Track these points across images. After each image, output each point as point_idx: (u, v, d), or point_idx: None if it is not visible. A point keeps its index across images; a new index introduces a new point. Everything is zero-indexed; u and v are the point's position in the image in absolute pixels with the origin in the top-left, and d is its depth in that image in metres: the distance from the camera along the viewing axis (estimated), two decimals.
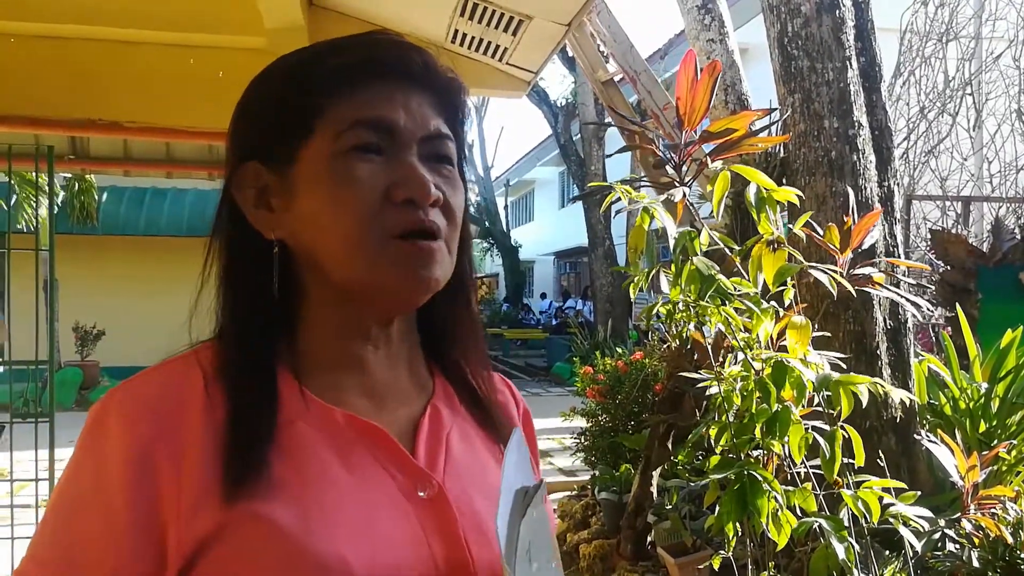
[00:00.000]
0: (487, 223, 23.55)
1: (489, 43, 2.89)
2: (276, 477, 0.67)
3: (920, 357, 3.48)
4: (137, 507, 0.66)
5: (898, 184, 3.67)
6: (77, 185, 12.37)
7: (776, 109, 3.45)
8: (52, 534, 0.68)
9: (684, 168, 1.54)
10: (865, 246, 1.60)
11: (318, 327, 0.75)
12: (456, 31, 2.85)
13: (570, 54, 11.82)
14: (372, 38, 0.75)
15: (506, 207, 29.18)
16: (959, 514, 2.25)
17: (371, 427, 0.73)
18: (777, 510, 1.54)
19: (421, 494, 0.72)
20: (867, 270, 1.60)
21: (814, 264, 1.52)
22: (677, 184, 1.54)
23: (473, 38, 2.88)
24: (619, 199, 1.56)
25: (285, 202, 0.73)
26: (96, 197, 12.74)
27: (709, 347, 1.65)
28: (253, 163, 0.75)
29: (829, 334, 3.13)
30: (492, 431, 0.82)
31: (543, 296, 26.31)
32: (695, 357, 2.29)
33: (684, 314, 1.55)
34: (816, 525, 1.54)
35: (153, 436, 0.67)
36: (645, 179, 3.14)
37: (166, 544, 0.66)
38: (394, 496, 0.71)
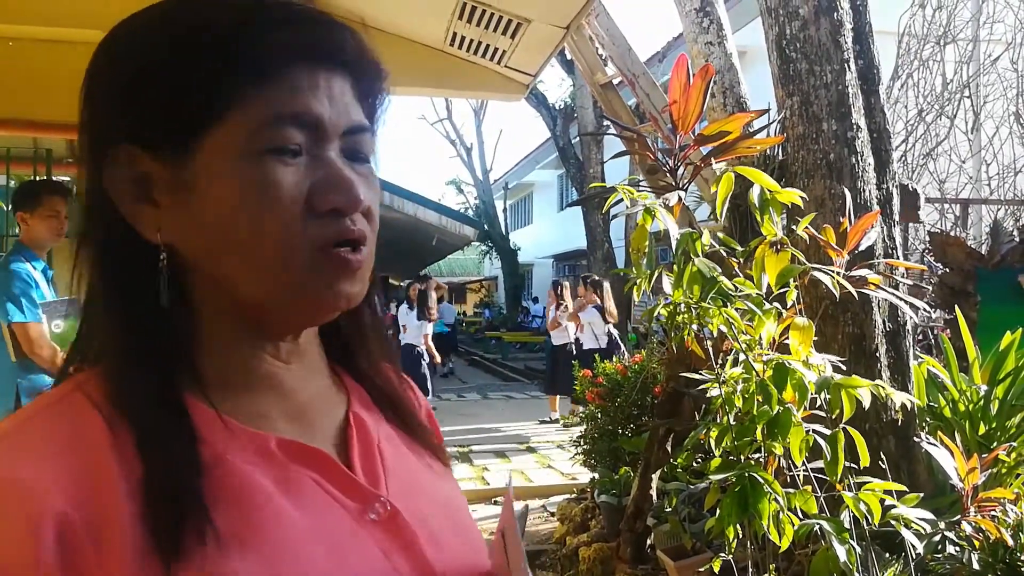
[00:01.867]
0: (486, 226, 23.55)
1: (488, 46, 2.89)
2: (220, 528, 0.55)
3: (919, 359, 3.48)
4: None
5: (896, 187, 3.67)
6: (75, 189, 12.38)
7: (769, 111, 3.45)
8: None
9: (680, 171, 1.54)
10: (863, 247, 1.60)
11: (218, 345, 0.64)
12: (455, 34, 2.85)
13: (569, 57, 11.84)
14: (291, 8, 0.62)
15: (505, 210, 29.20)
16: (959, 516, 2.25)
17: (311, 451, 0.64)
18: (778, 512, 1.54)
19: (372, 516, 0.65)
20: (865, 271, 1.60)
21: (816, 265, 1.52)
22: (673, 187, 1.54)
23: (472, 41, 2.88)
24: (620, 201, 1.56)
25: (176, 198, 0.60)
26: None
27: (710, 349, 1.65)
28: (125, 146, 0.61)
29: (827, 336, 3.14)
30: (410, 431, 0.76)
31: (535, 300, 26.28)
32: (696, 359, 2.29)
33: (686, 315, 1.55)
34: (817, 527, 1.54)
35: (63, 509, 0.52)
36: (644, 182, 3.15)
37: None
38: (348, 525, 0.63)
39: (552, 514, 5.54)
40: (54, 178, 4.55)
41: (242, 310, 0.63)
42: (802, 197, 1.51)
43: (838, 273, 1.54)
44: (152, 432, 0.57)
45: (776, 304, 1.52)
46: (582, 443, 5.31)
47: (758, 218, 1.49)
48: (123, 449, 0.56)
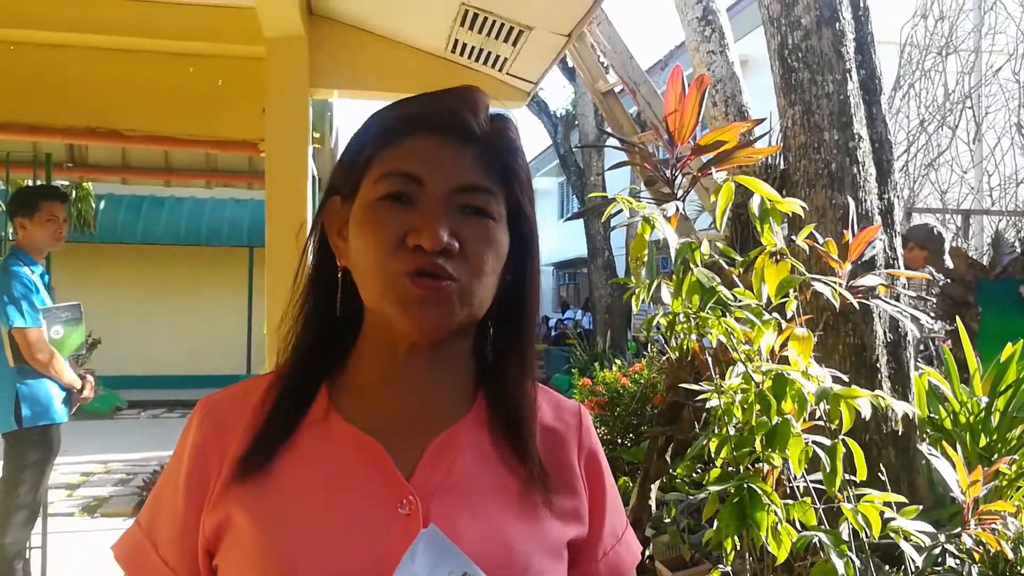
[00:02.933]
0: None
1: (489, 53, 2.89)
2: (269, 474, 0.78)
3: (920, 370, 3.46)
4: (191, 492, 0.80)
5: (898, 197, 3.66)
6: (75, 193, 12.37)
7: (764, 120, 3.45)
8: (149, 501, 0.85)
9: (678, 181, 1.53)
10: (865, 258, 1.59)
11: (364, 351, 0.84)
12: (456, 41, 2.85)
13: (570, 64, 11.85)
14: (439, 93, 0.83)
15: None
16: (959, 529, 2.24)
17: (368, 442, 0.79)
18: (776, 524, 1.53)
19: (402, 510, 0.76)
20: (867, 282, 1.59)
21: (817, 276, 1.51)
22: (671, 197, 1.53)
23: (473, 48, 2.88)
24: (620, 211, 1.55)
25: (349, 236, 0.82)
26: (93, 205, 12.73)
27: (709, 359, 1.64)
28: (335, 198, 0.85)
29: (828, 347, 3.12)
30: (521, 458, 0.83)
31: None
32: (695, 369, 2.28)
33: (685, 325, 1.54)
34: (816, 539, 1.53)
35: (211, 435, 0.81)
36: (644, 191, 3.14)
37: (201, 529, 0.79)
38: (373, 509, 0.77)
39: None
40: (52, 183, 4.55)
41: (376, 315, 0.81)
42: (802, 207, 1.50)
43: (839, 284, 1.53)
44: (275, 402, 0.81)
45: (775, 315, 1.51)
46: None
47: (758, 228, 1.47)
48: (263, 409, 0.81)
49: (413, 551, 0.73)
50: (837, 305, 1.51)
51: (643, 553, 3.82)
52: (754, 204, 1.46)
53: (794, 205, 1.48)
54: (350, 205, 0.82)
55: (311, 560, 0.73)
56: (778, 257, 1.46)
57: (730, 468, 1.63)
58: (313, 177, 3.00)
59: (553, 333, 20.65)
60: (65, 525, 4.88)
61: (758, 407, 1.51)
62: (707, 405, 1.66)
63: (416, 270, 0.76)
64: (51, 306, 3.71)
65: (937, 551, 2.46)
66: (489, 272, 0.80)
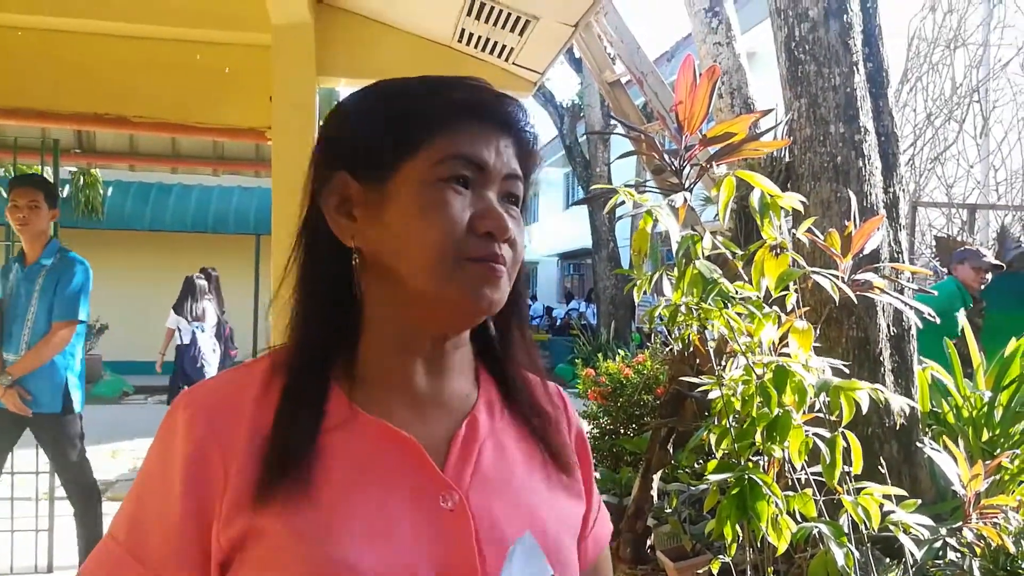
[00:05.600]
0: None
1: (496, 43, 2.88)
2: (303, 483, 0.72)
3: (923, 364, 3.47)
4: (190, 502, 0.73)
5: (904, 190, 3.66)
6: (82, 179, 12.39)
7: (772, 111, 3.44)
8: (127, 513, 0.78)
9: (686, 172, 1.54)
10: (867, 251, 1.59)
11: (377, 340, 0.81)
12: (463, 30, 2.85)
13: (577, 55, 11.81)
14: (476, 84, 0.83)
15: None
16: (961, 523, 2.24)
17: (402, 438, 0.77)
18: (777, 515, 1.53)
19: (445, 504, 0.76)
20: (868, 275, 1.59)
21: (816, 269, 1.51)
22: (679, 188, 1.53)
23: (480, 38, 2.88)
24: (623, 202, 1.56)
25: (370, 212, 0.79)
26: (101, 191, 12.75)
27: (711, 351, 1.64)
28: (343, 173, 0.80)
29: (832, 340, 3.13)
30: (535, 439, 0.87)
31: (534, 298, 26.19)
32: (697, 361, 2.29)
33: (686, 317, 1.55)
34: (816, 531, 1.53)
35: (208, 438, 0.75)
36: (651, 182, 3.14)
37: (209, 540, 0.73)
38: (417, 505, 0.75)
39: None
40: (60, 168, 4.56)
41: (401, 309, 0.79)
42: (803, 202, 1.50)
43: (840, 278, 1.53)
44: (288, 397, 0.76)
45: (776, 308, 1.52)
46: None
47: (758, 222, 1.48)
48: (266, 405, 0.76)
49: (511, 559, 0.76)
50: (837, 298, 1.51)
51: (645, 543, 3.84)
52: (754, 198, 1.47)
53: (793, 200, 1.48)
54: (373, 182, 0.79)
55: (368, 570, 0.71)
56: (778, 251, 1.46)
57: (731, 459, 1.64)
58: None
59: (558, 323, 20.65)
60: (72, 508, 4.91)
61: (759, 399, 1.51)
62: (708, 397, 1.67)
63: (485, 256, 0.77)
64: None
65: (938, 544, 2.47)
66: (520, 259, 0.83)
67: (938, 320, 1.94)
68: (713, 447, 1.65)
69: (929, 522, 1.74)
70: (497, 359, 0.89)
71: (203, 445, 0.74)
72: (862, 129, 3.26)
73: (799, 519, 1.58)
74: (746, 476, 1.52)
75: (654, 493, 3.87)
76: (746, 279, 1.58)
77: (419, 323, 0.80)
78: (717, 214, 1.58)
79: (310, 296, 0.82)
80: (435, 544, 0.74)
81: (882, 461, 2.51)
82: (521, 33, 2.76)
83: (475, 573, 0.74)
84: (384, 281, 0.79)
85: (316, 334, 0.80)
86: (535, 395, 0.90)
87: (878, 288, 1.57)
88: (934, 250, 6.60)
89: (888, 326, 3.27)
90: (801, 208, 1.50)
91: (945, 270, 5.45)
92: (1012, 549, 2.24)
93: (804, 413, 1.56)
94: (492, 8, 2.65)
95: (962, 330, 3.92)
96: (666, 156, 1.59)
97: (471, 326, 0.84)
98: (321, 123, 0.84)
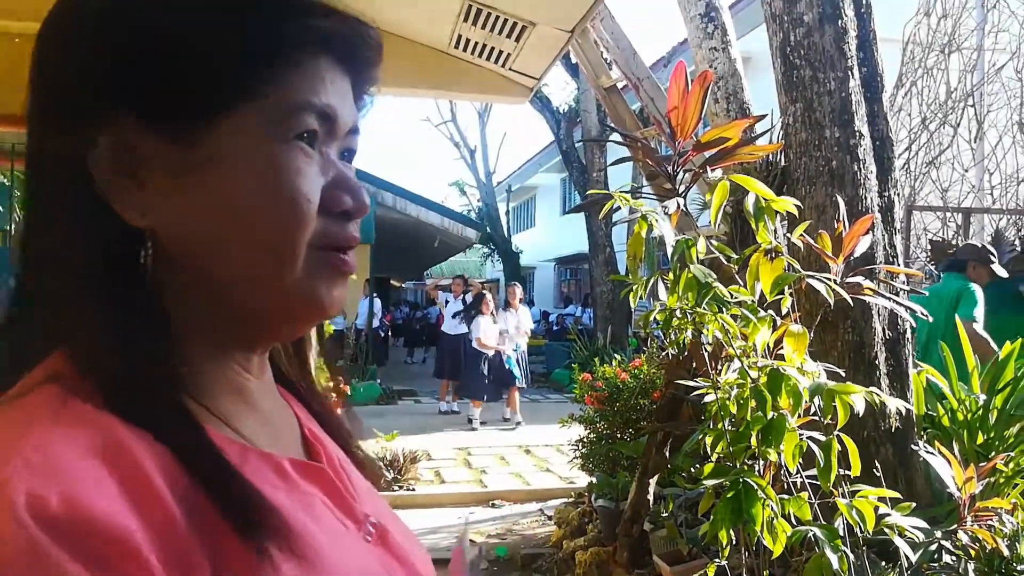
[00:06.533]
0: (488, 228, 23.56)
1: (492, 49, 2.89)
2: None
3: (918, 367, 3.48)
4: None
5: (899, 194, 3.67)
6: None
7: (767, 116, 3.45)
8: None
9: (680, 177, 1.55)
10: (858, 253, 1.60)
11: (206, 348, 0.57)
12: (460, 36, 2.86)
13: (573, 60, 11.84)
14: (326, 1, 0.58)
15: (507, 212, 29.18)
16: (955, 526, 2.25)
17: (316, 469, 0.61)
18: (772, 518, 1.54)
19: (366, 537, 0.61)
20: (860, 279, 1.60)
21: (810, 273, 1.52)
22: (673, 193, 1.54)
23: (477, 43, 2.89)
24: (619, 207, 1.57)
25: (176, 180, 0.53)
26: None
27: (707, 355, 1.65)
28: (122, 113, 0.52)
29: (827, 344, 3.14)
30: (346, 447, 0.72)
31: (531, 303, 26.18)
32: (693, 365, 2.29)
33: (681, 321, 1.55)
34: (811, 534, 1.54)
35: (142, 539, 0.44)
36: (646, 187, 3.15)
37: None
38: (356, 545, 0.60)
39: (549, 518, 5.54)
40: None
41: (228, 308, 0.56)
42: (797, 205, 1.51)
43: (834, 280, 1.54)
44: (194, 445, 0.50)
45: (771, 311, 1.53)
46: (580, 447, 5.31)
47: (753, 226, 1.49)
48: (159, 459, 0.48)
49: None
50: (831, 301, 1.52)
51: (642, 547, 3.84)
52: (749, 202, 1.48)
53: (788, 204, 1.49)
54: (183, 137, 0.53)
55: None
56: (773, 254, 1.47)
57: (726, 463, 1.64)
58: None
59: (554, 328, 20.68)
60: None
61: (754, 402, 1.52)
62: (704, 400, 1.67)
63: (342, 244, 0.58)
64: None
65: (933, 547, 2.48)
66: None
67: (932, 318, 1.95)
68: (709, 450, 1.66)
69: (924, 525, 1.75)
70: (294, 368, 0.71)
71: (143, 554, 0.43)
72: (857, 133, 3.28)
73: (794, 522, 1.59)
74: (741, 480, 1.53)
75: (651, 497, 3.88)
76: (741, 283, 1.59)
77: (244, 331, 0.59)
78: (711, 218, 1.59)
79: (105, 306, 0.51)
80: None
81: (877, 464, 2.52)
82: (518, 39, 2.77)
83: None
84: (190, 278, 0.55)
85: (138, 351, 0.51)
86: (329, 403, 0.74)
87: (869, 290, 1.58)
88: (929, 254, 6.62)
89: (883, 330, 3.28)
90: (796, 212, 1.51)
91: (941, 274, 5.47)
92: (1007, 552, 2.25)
93: (799, 417, 1.57)
94: (489, 14, 2.66)
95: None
96: (660, 162, 1.60)
97: (309, 329, 0.66)
98: (65, 15, 0.56)
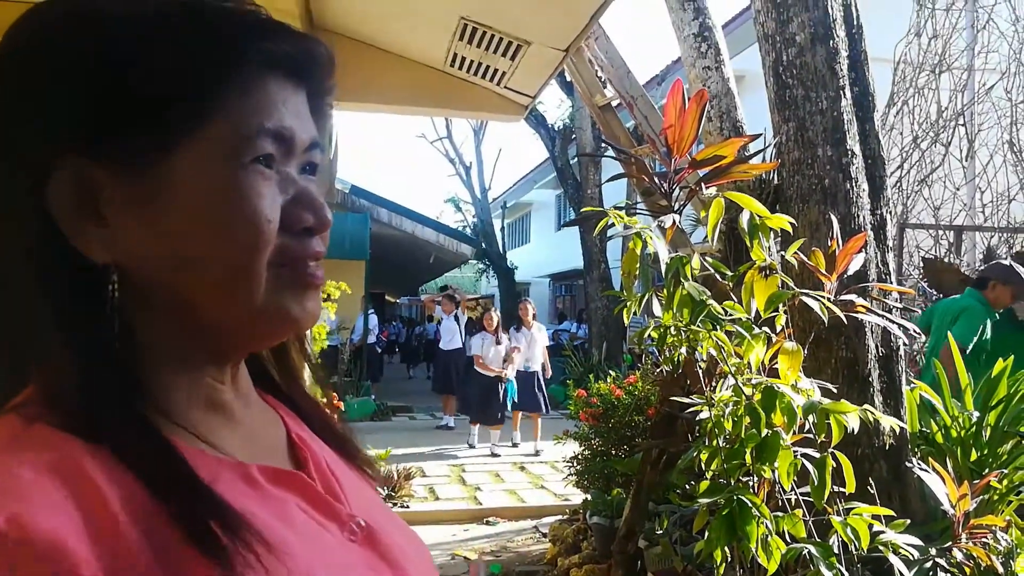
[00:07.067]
0: (483, 244, 23.58)
1: (488, 67, 2.92)
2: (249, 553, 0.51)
3: (912, 385, 3.49)
4: None
5: (891, 212, 3.70)
6: None
7: (761, 135, 3.48)
8: None
9: (675, 194, 1.56)
10: (851, 271, 1.62)
11: (159, 371, 0.58)
12: (455, 55, 2.88)
13: (568, 79, 11.91)
14: (268, 19, 0.59)
15: (503, 229, 29.22)
16: (950, 543, 2.25)
17: (289, 475, 0.62)
18: (766, 536, 1.54)
19: (351, 537, 0.62)
20: (853, 296, 1.61)
21: (805, 291, 1.53)
22: (668, 210, 1.56)
23: (472, 62, 2.91)
24: (613, 224, 1.58)
25: (133, 214, 0.54)
26: None
27: (701, 372, 1.66)
28: (72, 156, 0.53)
29: (821, 361, 3.14)
30: (340, 447, 0.73)
31: None
32: (687, 381, 2.30)
33: (676, 338, 1.56)
34: (805, 552, 1.54)
35: (87, 557, 0.44)
36: (641, 204, 3.17)
37: None
38: (337, 547, 0.60)
39: (544, 535, 5.52)
40: None
41: (196, 329, 0.58)
42: (791, 223, 1.53)
43: (828, 298, 1.55)
44: (152, 462, 0.51)
45: (765, 328, 1.54)
46: (575, 464, 5.30)
47: (748, 243, 1.50)
48: (118, 477, 0.49)
49: None
50: (825, 319, 1.53)
51: (637, 564, 3.83)
52: (743, 220, 1.49)
53: (782, 221, 1.50)
54: (134, 169, 0.53)
55: None
56: (767, 272, 1.48)
57: (721, 480, 1.65)
58: None
59: (549, 344, 20.65)
60: None
61: (748, 420, 1.53)
62: (698, 417, 1.68)
63: (306, 258, 0.59)
64: None
65: (928, 565, 2.48)
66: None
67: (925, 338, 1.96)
68: (703, 468, 1.66)
69: (918, 542, 1.75)
70: (278, 371, 0.73)
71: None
72: (849, 152, 3.30)
73: (789, 540, 1.59)
74: (736, 497, 1.53)
75: (646, 514, 3.87)
76: (735, 300, 1.60)
77: (212, 347, 0.60)
78: (705, 236, 1.60)
79: (74, 343, 0.52)
80: None
81: (871, 481, 2.52)
82: (513, 57, 2.80)
83: None
84: (158, 306, 0.57)
85: (107, 383, 0.52)
86: (318, 404, 0.75)
87: (863, 308, 1.59)
88: (921, 271, 6.65)
89: (877, 347, 3.29)
90: (790, 229, 1.52)
91: (934, 291, 5.49)
92: (1001, 569, 2.25)
93: (794, 434, 1.58)
94: (484, 33, 2.68)
95: (951, 350, 3.94)
96: (655, 179, 1.62)
97: (279, 342, 0.68)
98: (11, 57, 0.54)
